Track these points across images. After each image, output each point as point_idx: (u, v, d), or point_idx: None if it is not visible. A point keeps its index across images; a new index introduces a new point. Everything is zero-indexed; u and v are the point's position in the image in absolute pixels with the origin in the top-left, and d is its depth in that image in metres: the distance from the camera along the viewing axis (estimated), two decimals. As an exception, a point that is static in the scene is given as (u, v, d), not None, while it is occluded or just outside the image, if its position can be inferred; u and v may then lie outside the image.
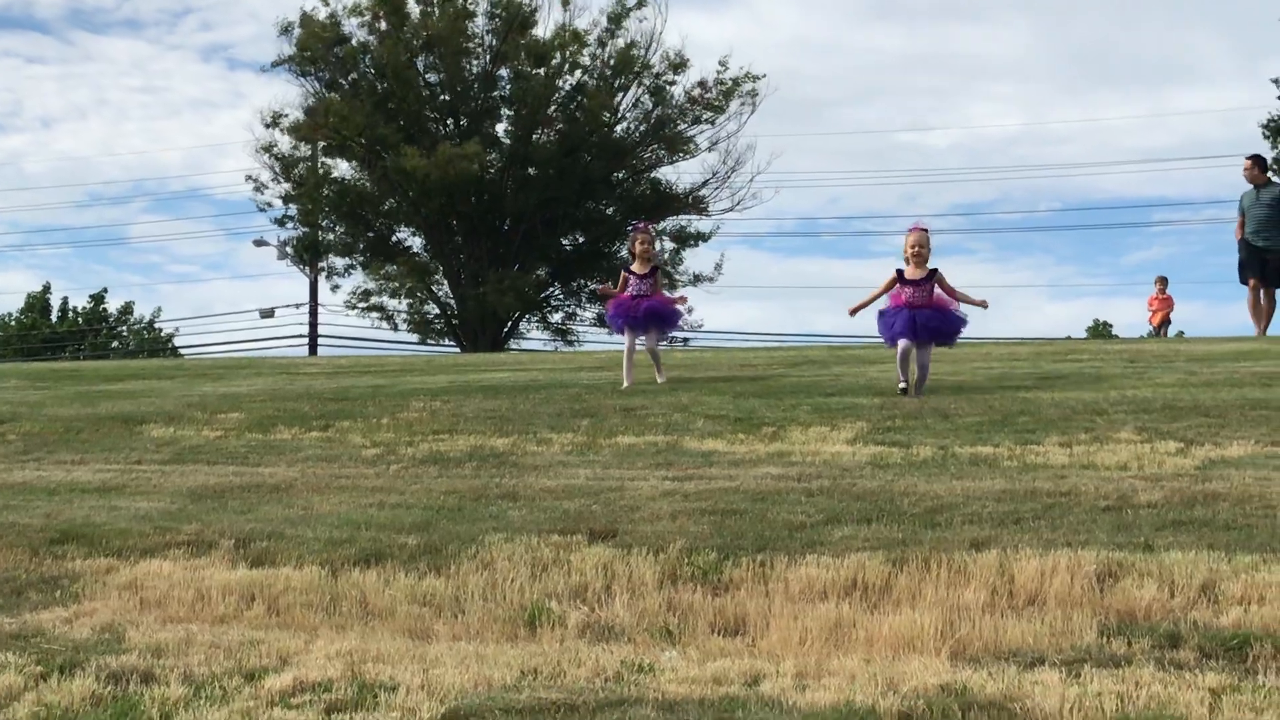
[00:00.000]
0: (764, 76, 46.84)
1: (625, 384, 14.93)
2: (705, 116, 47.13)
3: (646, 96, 47.04)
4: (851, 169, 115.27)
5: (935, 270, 13.45)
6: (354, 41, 45.92)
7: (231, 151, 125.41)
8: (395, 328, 48.80)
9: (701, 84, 46.64)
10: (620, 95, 46.73)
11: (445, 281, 48.27)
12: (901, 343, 13.27)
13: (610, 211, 47.91)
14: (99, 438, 13.30)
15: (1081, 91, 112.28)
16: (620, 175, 47.75)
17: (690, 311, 48.61)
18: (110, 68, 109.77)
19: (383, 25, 45.35)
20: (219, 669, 6.11)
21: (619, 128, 47.28)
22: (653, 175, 48.61)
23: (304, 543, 8.43)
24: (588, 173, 45.73)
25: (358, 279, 48.20)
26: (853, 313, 14.02)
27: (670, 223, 48.65)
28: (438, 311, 48.88)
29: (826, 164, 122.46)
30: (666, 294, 15.58)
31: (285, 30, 45.98)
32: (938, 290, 13.43)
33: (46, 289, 65.60)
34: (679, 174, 50.11)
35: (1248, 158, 22.09)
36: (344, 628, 7.04)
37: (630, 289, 15.00)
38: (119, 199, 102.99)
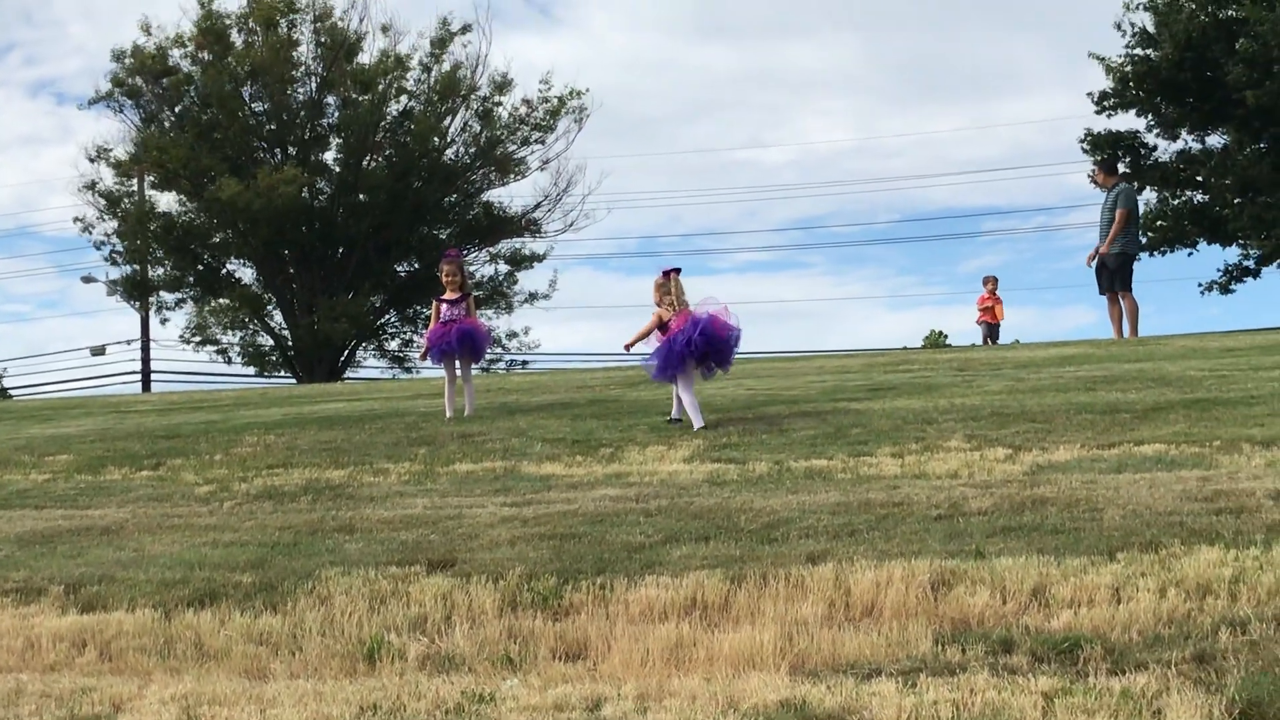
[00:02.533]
0: (587, 91, 47.04)
1: (448, 414, 14.96)
2: (534, 136, 47.23)
3: (475, 120, 46.99)
4: (690, 187, 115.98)
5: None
6: (178, 74, 45.28)
7: (61, 187, 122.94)
8: (229, 361, 48.16)
9: (526, 102, 46.73)
10: (449, 119, 46.62)
11: (279, 312, 47.75)
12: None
13: (444, 236, 47.71)
14: (-79, 486, 12.94)
15: (910, 104, 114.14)
16: (452, 199, 47.61)
17: (525, 332, 48.69)
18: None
19: (206, 55, 44.77)
20: (50, 719, 5.97)
21: (449, 152, 47.17)
22: (485, 198, 48.56)
23: (136, 585, 8.27)
24: (419, 198, 45.57)
25: (190, 312, 47.53)
26: (422, 358, 16.08)
27: (505, 245, 48.63)
28: (272, 343, 48.32)
29: (665, 183, 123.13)
30: (480, 319, 15.84)
31: (117, 58, 45.25)
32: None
33: None
34: (511, 197, 50.16)
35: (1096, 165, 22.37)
36: (179, 671, 6.92)
37: (443, 316, 15.15)
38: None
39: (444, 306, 15.16)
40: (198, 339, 47.28)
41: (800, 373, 17.59)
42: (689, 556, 8.08)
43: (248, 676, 6.79)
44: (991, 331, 30.54)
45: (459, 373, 15.21)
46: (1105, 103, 36.53)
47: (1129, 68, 35.51)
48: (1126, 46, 35.76)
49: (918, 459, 10.62)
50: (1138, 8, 35.55)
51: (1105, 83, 36.16)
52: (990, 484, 9.40)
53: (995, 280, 30.73)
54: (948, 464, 10.30)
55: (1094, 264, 21.20)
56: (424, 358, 15.83)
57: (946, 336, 52.89)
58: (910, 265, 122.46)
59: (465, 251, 47.08)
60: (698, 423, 12.85)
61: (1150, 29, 35.35)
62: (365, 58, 46.30)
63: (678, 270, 13.91)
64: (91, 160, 45.78)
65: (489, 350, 16.40)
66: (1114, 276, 20.99)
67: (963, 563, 7.43)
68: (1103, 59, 35.96)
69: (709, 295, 13.81)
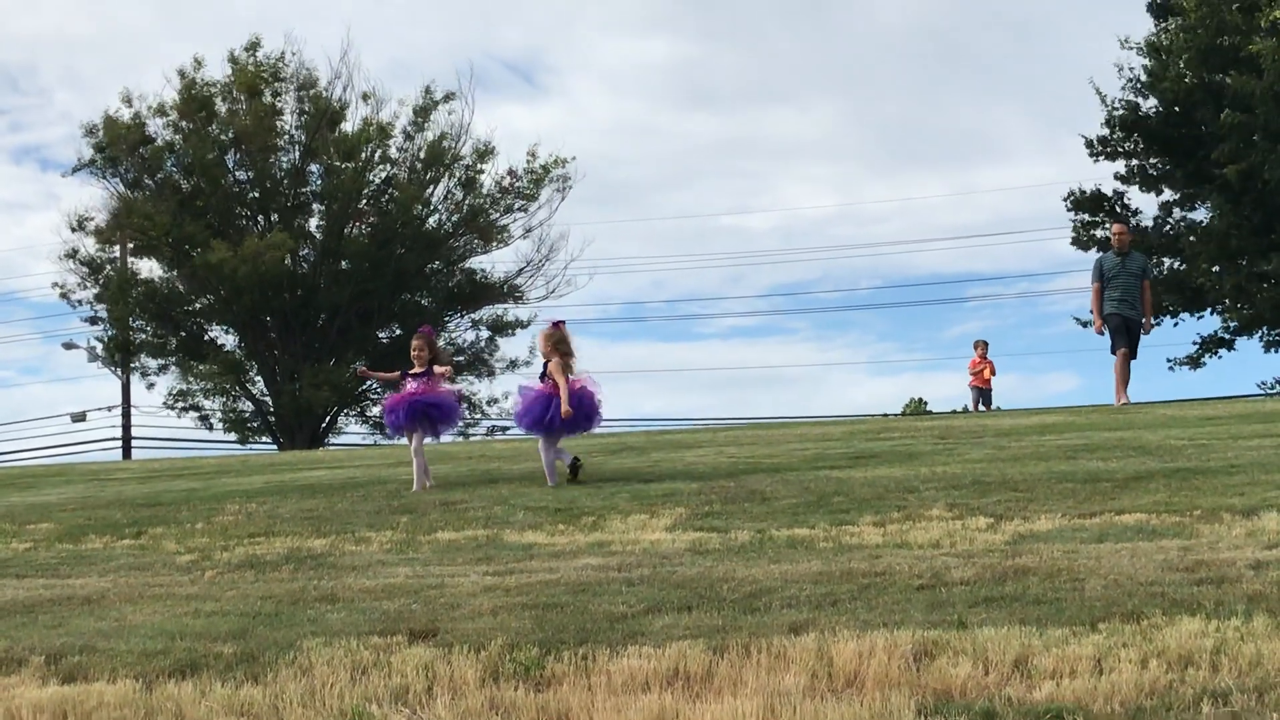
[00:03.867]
0: (573, 159, 47.31)
1: (414, 486, 15.04)
2: (517, 205, 47.48)
3: (458, 188, 47.20)
4: (673, 253, 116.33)
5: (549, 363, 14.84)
6: (159, 141, 45.42)
7: (45, 253, 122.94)
8: (211, 428, 48.12)
9: (511, 172, 46.97)
10: (431, 187, 46.84)
11: (260, 379, 47.76)
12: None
13: (426, 303, 47.87)
14: (-100, 554, 12.89)
15: (892, 171, 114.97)
16: (435, 266, 47.76)
17: (506, 398, 48.63)
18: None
19: (188, 124, 44.93)
20: (29, 793, 5.95)
21: (431, 219, 47.38)
22: (467, 265, 48.76)
23: (117, 655, 8.23)
24: (401, 265, 45.72)
25: (172, 379, 47.51)
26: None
27: (486, 311, 48.76)
28: (253, 409, 48.28)
29: (649, 249, 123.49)
30: (444, 389, 15.95)
31: (89, 133, 45.39)
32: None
33: None
34: (494, 263, 50.39)
35: (1116, 223, 22.44)
36: (160, 743, 6.89)
37: (405, 388, 15.57)
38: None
39: (408, 380, 15.60)
40: (181, 405, 47.25)
41: (782, 440, 17.61)
42: (671, 626, 8.07)
43: (229, 748, 6.75)
44: (983, 396, 30.61)
45: (414, 444, 15.34)
46: (1099, 148, 36.82)
47: (1120, 111, 35.85)
48: (1122, 89, 36.11)
49: (899, 528, 10.64)
50: (1133, 47, 35.90)
51: (1100, 129, 36.49)
52: (972, 553, 9.41)
53: (985, 344, 30.86)
54: (929, 533, 10.32)
55: (1109, 328, 21.25)
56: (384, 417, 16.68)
57: (927, 404, 53.01)
58: (893, 331, 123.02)
59: (448, 316, 47.24)
60: (551, 480, 14.46)
61: (1143, 78, 35.72)
62: (349, 126, 46.55)
63: (563, 322, 15.08)
64: (73, 229, 45.94)
65: (447, 425, 16.51)
66: (1133, 340, 21.18)
67: (945, 633, 7.44)
68: (1102, 95, 36.28)
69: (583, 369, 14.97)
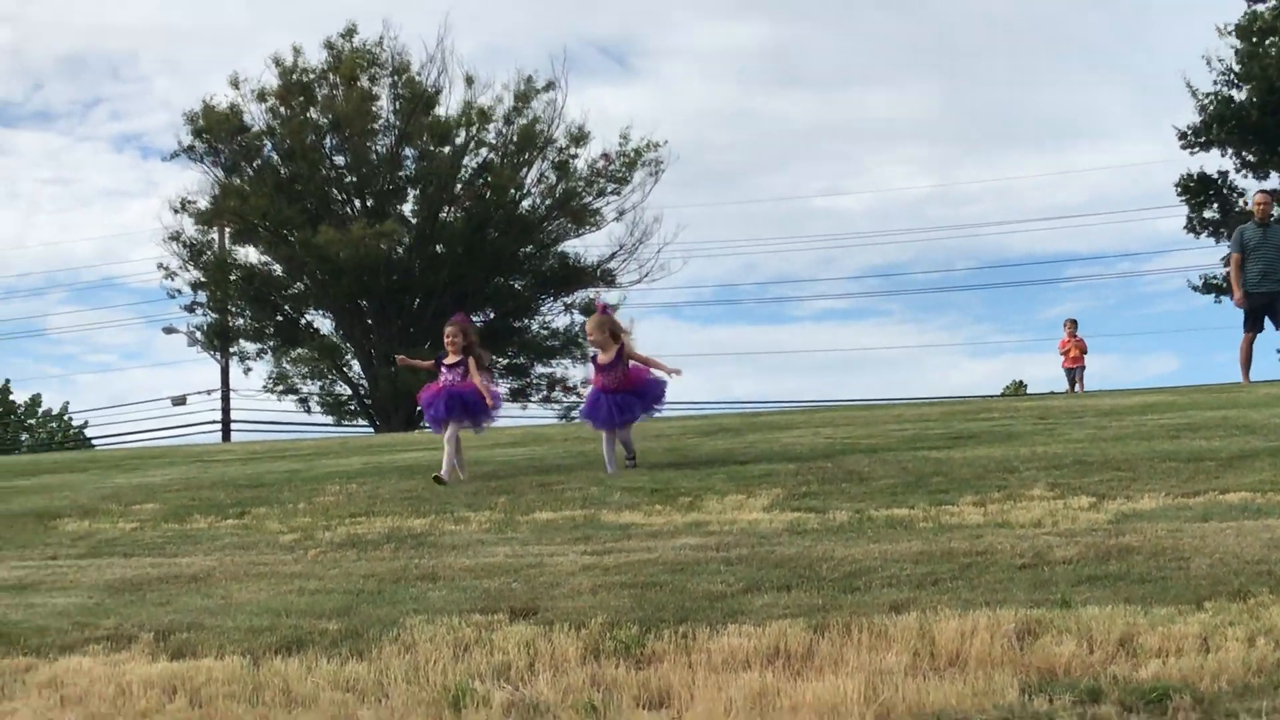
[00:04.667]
0: (665, 144, 47.25)
1: (443, 469, 14.45)
2: (610, 188, 47.48)
3: (551, 171, 47.29)
4: (767, 235, 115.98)
5: (621, 347, 14.30)
6: (257, 126, 45.89)
7: (145, 240, 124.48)
8: (309, 411, 48.62)
9: (605, 155, 46.96)
10: (525, 170, 46.95)
11: (356, 362, 48.15)
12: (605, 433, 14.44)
13: (519, 286, 48.02)
14: (12, 534, 13.14)
15: (988, 152, 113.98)
16: (528, 250, 47.88)
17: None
18: (21, 161, 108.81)
19: (286, 110, 45.34)
20: (142, 765, 6.05)
21: (524, 203, 47.49)
22: (560, 249, 48.81)
23: (224, 632, 8.35)
24: (495, 248, 45.85)
25: (270, 363, 48.04)
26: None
27: (579, 295, 48.87)
28: (350, 393, 48.70)
29: (742, 231, 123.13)
30: (483, 383, 15.13)
31: (190, 120, 45.90)
32: (632, 364, 14.39)
33: (-49, 384, 64.59)
34: (586, 247, 50.44)
35: (1260, 192, 21.78)
36: (268, 717, 6.97)
37: (442, 379, 14.97)
38: (33, 291, 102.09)
39: (442, 369, 15.02)
40: (280, 388, 47.77)
41: (879, 421, 17.54)
42: (771, 605, 8.08)
43: (335, 723, 6.83)
44: (1075, 374, 30.29)
45: (448, 433, 14.70)
46: (1193, 139, 36.28)
47: (1213, 107, 35.29)
48: (1214, 83, 35.52)
49: (1000, 507, 10.57)
50: (1230, 31, 35.26)
51: (1194, 117, 35.92)
52: (1075, 533, 9.34)
53: (1074, 323, 30.54)
54: (1031, 512, 10.25)
55: (1247, 307, 20.70)
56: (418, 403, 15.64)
57: (1026, 385, 52.50)
58: (990, 313, 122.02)
59: (540, 300, 47.39)
60: (609, 468, 14.23)
61: (1235, 67, 35.12)
62: (442, 110, 46.75)
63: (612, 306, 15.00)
64: (175, 212, 46.52)
65: (488, 417, 15.50)
66: (1276, 316, 20.63)
67: (1049, 612, 7.39)
68: (1193, 89, 35.72)
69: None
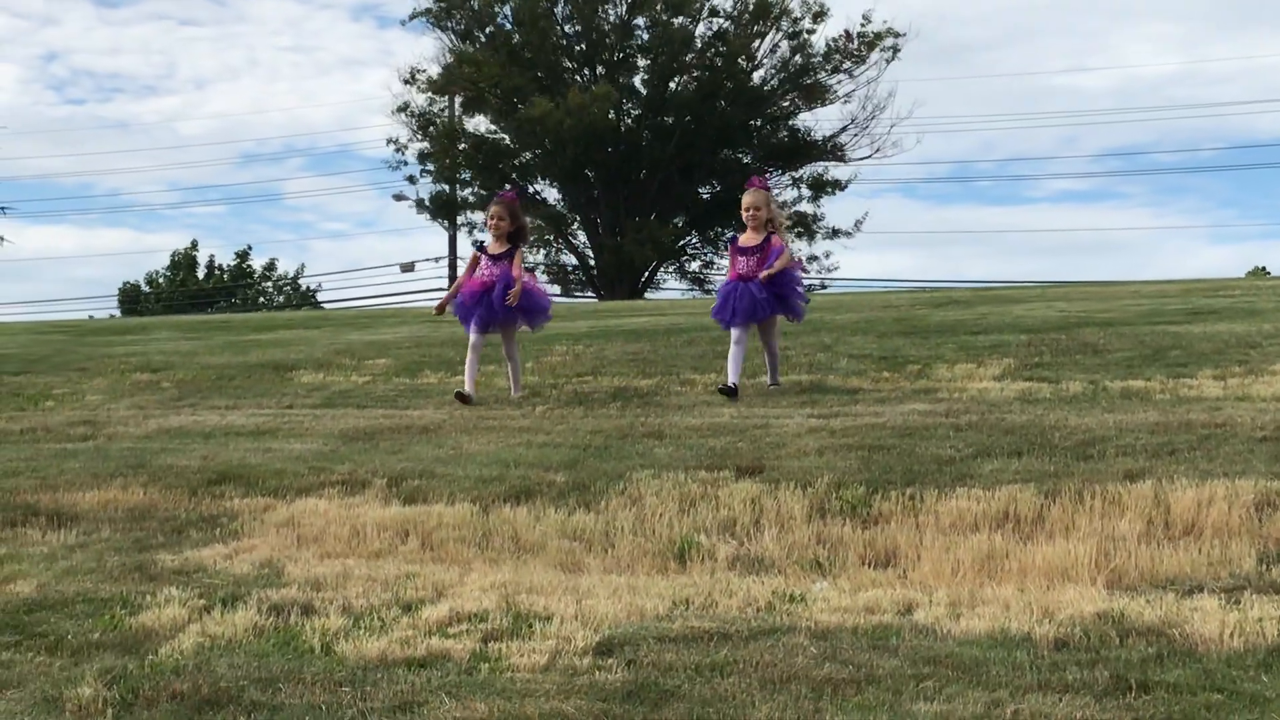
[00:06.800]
0: (904, 35, 46.36)
1: (466, 388, 11.58)
2: (845, 66, 46.81)
3: (785, 43, 46.76)
4: (1006, 112, 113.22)
5: (770, 236, 11.37)
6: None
7: (380, 109, 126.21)
8: (535, 279, 49.20)
9: (846, 34, 46.22)
10: (758, 41, 46.49)
11: (582, 232, 48.47)
12: (735, 332, 11.26)
13: (747, 160, 47.74)
14: (251, 384, 13.53)
15: (1239, 29, 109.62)
16: (756, 122, 47.51)
17: (826, 256, 48.37)
18: (262, 28, 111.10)
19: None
20: (376, 601, 6.19)
21: (756, 75, 47.06)
22: (790, 123, 48.34)
23: (455, 481, 8.51)
24: (724, 120, 45.59)
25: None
26: (439, 310, 12.46)
27: (808, 170, 48.44)
28: (575, 263, 49.11)
29: (980, 108, 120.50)
30: (526, 278, 12.08)
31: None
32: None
33: (193, 246, 66.58)
34: (817, 121, 49.87)
35: None
36: (497, 562, 7.10)
37: (481, 273, 11.89)
38: (272, 158, 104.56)
39: (483, 260, 11.93)
40: (505, 255, 48.38)
41: (1115, 296, 17.16)
42: (1000, 471, 7.97)
43: (563, 569, 6.93)
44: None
45: (486, 339, 11.99)
46: None
47: None
48: None
49: (1241, 381, 10.27)
50: None
51: None
52: (1318, 408, 9.04)
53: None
54: (1273, 387, 9.93)
55: None
56: (440, 310, 12.44)
57: (1269, 272, 50.85)
58: (1235, 197, 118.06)
59: (768, 173, 47.10)
60: (732, 378, 11.05)
61: None
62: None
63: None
64: (405, 82, 47.06)
65: (544, 314, 12.35)
66: None
67: (1290, 484, 7.18)
68: None
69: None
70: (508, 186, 12.45)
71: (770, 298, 11.20)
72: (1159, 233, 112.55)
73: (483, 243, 12.15)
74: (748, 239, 11.45)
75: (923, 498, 7.58)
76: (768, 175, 47.89)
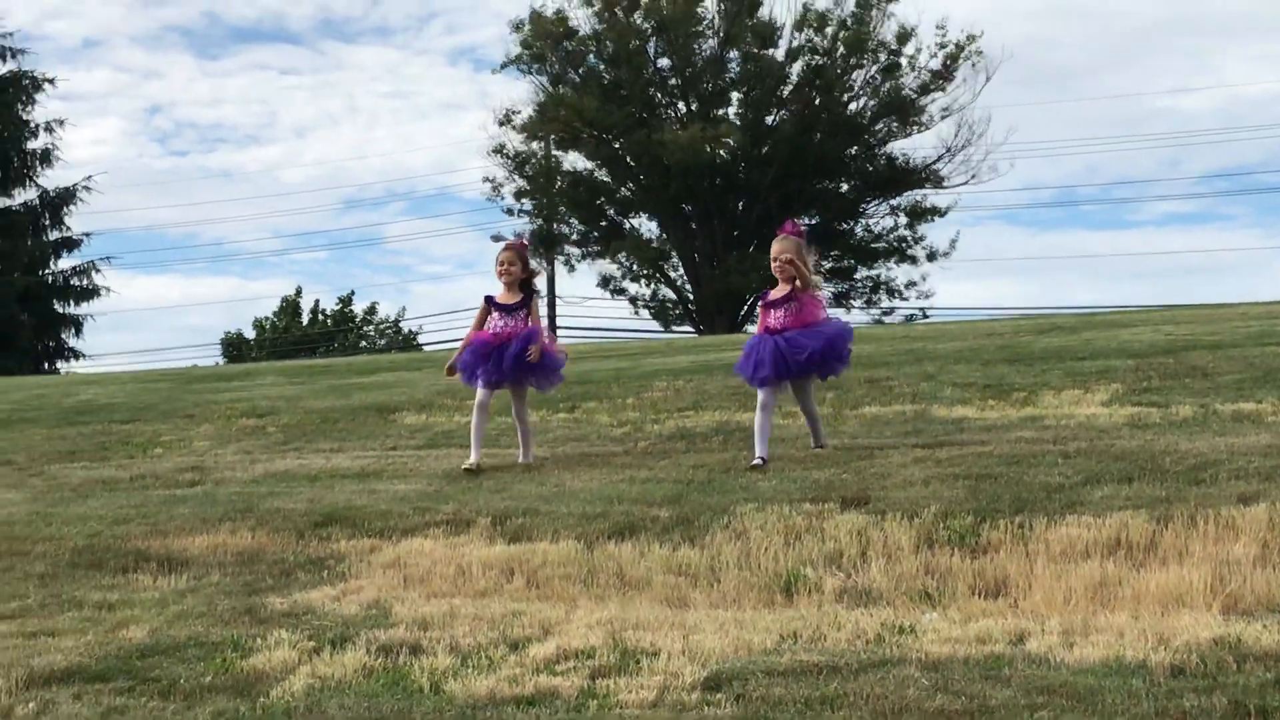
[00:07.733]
0: (981, 34, 46.15)
1: (471, 460, 10.62)
2: (932, 83, 46.67)
3: (878, 71, 46.71)
4: (1106, 135, 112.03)
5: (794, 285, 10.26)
6: (583, 31, 46.44)
7: (478, 151, 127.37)
8: (637, 312, 49.40)
9: (948, 56, 45.99)
10: (854, 73, 46.49)
11: (680, 265, 48.58)
12: (762, 393, 10.18)
13: (844, 189, 47.68)
14: (355, 427, 13.62)
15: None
16: (853, 151, 47.42)
17: (923, 279, 48.24)
18: (360, 75, 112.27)
19: (610, 15, 45.73)
20: (484, 639, 6.19)
21: (851, 105, 47.02)
22: (886, 150, 48.21)
23: (558, 518, 8.51)
24: (821, 150, 45.56)
25: (598, 267, 48.92)
26: (450, 372, 11.20)
27: (905, 198, 48.28)
28: (674, 297, 49.21)
29: (1081, 132, 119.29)
30: (543, 332, 11.12)
31: (516, 29, 46.73)
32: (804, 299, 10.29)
33: (298, 292, 67.45)
34: (914, 148, 49.53)
35: None
36: (602, 598, 7.08)
37: (493, 325, 10.95)
38: (373, 203, 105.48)
39: (494, 313, 10.95)
40: (611, 288, 48.66)
41: (1223, 318, 16.91)
42: (1111, 497, 7.85)
43: (668, 605, 6.90)
44: None
45: (495, 398, 11.16)
46: None
47: None
48: None
49: (1356, 402, 10.09)
50: None
51: None
52: None
53: None
54: (1389, 407, 9.75)
55: None
56: (452, 373, 11.17)
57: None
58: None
59: (866, 202, 46.96)
60: (759, 451, 9.86)
61: None
62: (764, 12, 46.53)
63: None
64: (500, 124, 47.40)
65: (556, 375, 11.16)
66: None
67: None
68: None
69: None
70: (515, 234, 11.82)
71: (802, 360, 10.06)
72: (1266, 253, 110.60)
73: (492, 296, 11.04)
74: (777, 292, 10.38)
75: (1032, 526, 7.48)
76: (865, 205, 47.75)
